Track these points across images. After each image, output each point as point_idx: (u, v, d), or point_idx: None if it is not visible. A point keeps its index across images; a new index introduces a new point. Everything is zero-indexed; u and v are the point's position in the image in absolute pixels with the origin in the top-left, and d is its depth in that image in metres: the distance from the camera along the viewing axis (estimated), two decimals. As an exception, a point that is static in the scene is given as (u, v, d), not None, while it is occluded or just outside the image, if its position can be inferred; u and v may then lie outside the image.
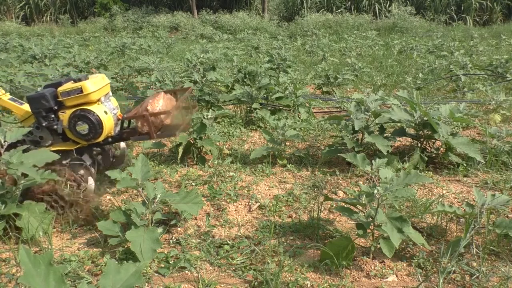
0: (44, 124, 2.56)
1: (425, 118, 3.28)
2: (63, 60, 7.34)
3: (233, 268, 2.07)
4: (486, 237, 2.22)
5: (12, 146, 2.76)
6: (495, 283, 1.93)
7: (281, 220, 2.55)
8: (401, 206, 2.65)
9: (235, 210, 2.69)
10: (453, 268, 2.00)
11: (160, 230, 2.30)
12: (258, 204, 2.75)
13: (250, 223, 2.52)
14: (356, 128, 3.30)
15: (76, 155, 2.64)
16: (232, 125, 4.56)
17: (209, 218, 2.54)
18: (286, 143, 3.73)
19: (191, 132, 3.44)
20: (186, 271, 2.04)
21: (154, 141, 3.86)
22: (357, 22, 16.64)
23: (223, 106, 5.01)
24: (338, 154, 3.38)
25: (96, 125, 2.55)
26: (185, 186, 2.99)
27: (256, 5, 21.14)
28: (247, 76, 5.87)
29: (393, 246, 1.98)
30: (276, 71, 6.50)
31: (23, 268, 1.17)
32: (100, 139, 2.63)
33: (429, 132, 3.32)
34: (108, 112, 2.62)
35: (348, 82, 6.64)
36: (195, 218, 2.52)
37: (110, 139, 2.72)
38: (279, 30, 16.48)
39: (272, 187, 3.04)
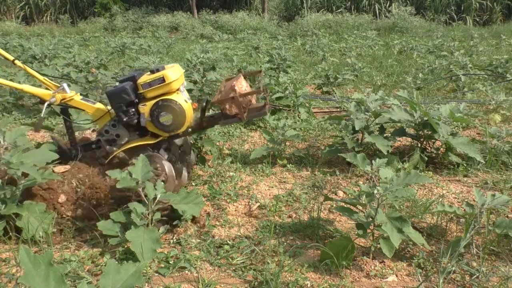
0: (124, 119, 2.53)
1: (425, 118, 3.28)
2: (63, 60, 7.34)
3: (233, 268, 2.07)
4: (486, 237, 2.22)
5: (86, 147, 2.77)
6: (495, 283, 1.93)
7: (281, 220, 2.55)
8: (401, 206, 2.65)
9: (235, 210, 2.69)
10: (453, 268, 2.00)
11: (162, 229, 2.30)
12: (258, 204, 2.75)
13: (250, 223, 2.53)
14: (356, 128, 3.30)
15: (152, 150, 2.61)
16: (232, 125, 4.55)
17: (209, 218, 2.54)
18: (286, 143, 3.73)
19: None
20: (186, 271, 2.04)
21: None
22: (357, 22, 16.64)
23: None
24: (338, 154, 3.38)
25: (179, 115, 2.52)
26: (185, 186, 2.99)
27: (256, 5, 21.14)
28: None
29: (393, 246, 1.98)
30: (276, 71, 6.49)
31: (23, 268, 1.17)
32: (183, 129, 2.59)
33: (429, 132, 3.32)
34: (187, 101, 2.57)
35: (348, 82, 6.64)
36: (194, 219, 2.52)
37: (189, 130, 2.67)
38: (279, 30, 16.48)
39: (272, 187, 3.04)
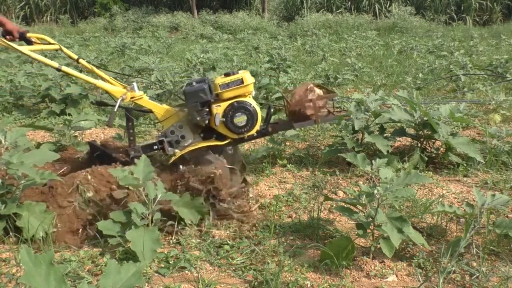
0: (198, 119, 2.57)
1: (425, 118, 3.29)
2: (63, 60, 7.34)
3: (233, 268, 2.07)
4: (486, 237, 2.22)
5: (147, 148, 2.76)
6: (495, 283, 1.93)
7: (281, 220, 2.55)
8: (401, 206, 2.65)
9: (235, 210, 2.69)
10: (453, 268, 2.00)
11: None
12: (258, 204, 2.75)
13: (250, 223, 2.52)
14: (356, 128, 3.30)
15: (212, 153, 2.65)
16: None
17: (209, 219, 2.54)
18: (286, 143, 3.73)
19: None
20: (186, 271, 2.04)
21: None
22: (357, 22, 16.65)
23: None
24: (338, 154, 3.38)
25: (254, 117, 2.59)
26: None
27: (256, 5, 21.15)
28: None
29: (393, 246, 1.99)
30: (276, 71, 6.50)
31: (24, 268, 1.17)
32: (254, 131, 2.65)
33: (429, 132, 3.32)
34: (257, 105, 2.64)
35: (348, 82, 6.64)
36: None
37: (255, 134, 2.71)
38: (279, 30, 16.49)
39: (272, 187, 3.04)
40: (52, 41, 2.94)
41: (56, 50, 2.90)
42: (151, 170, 2.28)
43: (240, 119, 2.58)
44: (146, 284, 1.93)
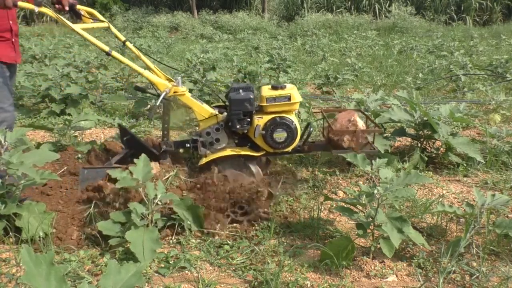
0: (237, 127, 2.56)
1: (425, 118, 3.29)
2: (63, 60, 7.34)
3: (233, 268, 2.07)
4: (486, 237, 2.22)
5: (180, 144, 2.76)
6: (495, 283, 1.93)
7: (281, 220, 2.55)
8: (401, 206, 2.65)
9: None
10: (453, 268, 2.00)
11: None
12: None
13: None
14: (356, 128, 3.30)
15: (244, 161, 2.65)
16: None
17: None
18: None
19: (191, 132, 3.44)
20: (186, 271, 2.04)
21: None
22: (357, 22, 16.63)
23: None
24: (338, 154, 3.38)
25: (294, 134, 2.59)
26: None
27: (256, 5, 21.14)
28: (247, 76, 5.87)
29: (393, 246, 1.99)
30: (276, 71, 6.50)
31: (25, 268, 1.17)
32: (290, 148, 2.64)
33: (429, 132, 3.32)
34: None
35: (348, 82, 6.64)
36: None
37: (290, 150, 2.71)
38: (279, 30, 16.48)
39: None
40: (101, 17, 2.85)
41: (106, 28, 2.79)
42: (150, 169, 2.28)
43: (280, 135, 2.57)
44: (146, 284, 1.93)
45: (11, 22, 2.45)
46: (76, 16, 2.74)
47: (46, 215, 2.23)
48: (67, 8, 2.65)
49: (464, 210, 2.20)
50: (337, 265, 2.01)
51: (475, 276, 1.97)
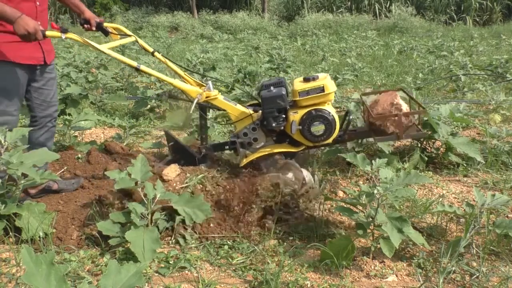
0: (273, 125, 2.50)
1: (425, 118, 3.28)
2: (63, 60, 7.34)
3: (233, 268, 2.07)
4: (486, 237, 2.22)
5: (218, 147, 2.74)
6: (495, 283, 1.93)
7: (281, 220, 2.55)
8: (401, 206, 2.65)
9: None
10: (453, 268, 2.00)
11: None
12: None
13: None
14: (356, 128, 3.30)
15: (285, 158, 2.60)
16: (232, 125, 4.55)
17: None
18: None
19: (191, 132, 3.43)
20: (186, 271, 2.05)
21: (154, 142, 3.86)
22: (357, 22, 16.62)
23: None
24: (338, 154, 3.37)
25: (332, 126, 2.49)
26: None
27: (256, 5, 21.13)
28: (247, 76, 5.87)
29: (393, 246, 1.99)
30: (276, 71, 6.50)
31: (25, 268, 1.17)
32: (330, 140, 2.56)
33: (429, 132, 3.32)
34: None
35: (348, 82, 6.64)
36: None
37: (331, 141, 2.62)
38: (279, 30, 16.47)
39: (272, 187, 3.03)
40: (128, 32, 2.84)
41: (133, 42, 2.81)
42: (148, 169, 2.27)
43: (318, 128, 2.48)
44: (146, 284, 1.93)
45: (39, 22, 2.42)
46: (104, 34, 2.77)
47: (46, 215, 2.24)
48: (94, 28, 2.72)
49: (464, 210, 2.20)
50: (337, 265, 2.01)
51: (475, 276, 1.97)
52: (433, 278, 1.98)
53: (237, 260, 2.13)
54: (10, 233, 2.20)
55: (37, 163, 2.22)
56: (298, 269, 2.06)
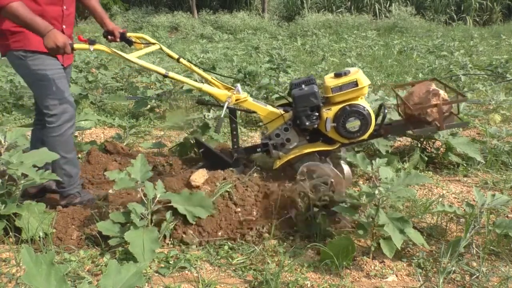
0: (307, 123, 2.45)
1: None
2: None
3: (233, 268, 2.07)
4: (486, 237, 2.22)
5: (250, 150, 2.69)
6: (495, 283, 1.93)
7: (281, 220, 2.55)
8: (401, 206, 2.64)
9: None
10: (453, 268, 2.00)
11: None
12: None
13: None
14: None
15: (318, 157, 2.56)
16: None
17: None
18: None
19: (192, 132, 3.44)
20: (186, 271, 2.05)
21: (154, 142, 3.86)
22: (357, 22, 16.61)
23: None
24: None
25: (368, 120, 2.43)
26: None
27: (256, 5, 21.12)
28: (247, 76, 5.87)
29: (393, 247, 1.99)
30: (276, 71, 6.49)
31: (25, 268, 1.17)
32: (366, 135, 2.51)
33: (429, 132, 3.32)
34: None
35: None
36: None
37: (366, 137, 2.57)
38: (279, 30, 16.47)
39: (272, 187, 3.03)
40: (151, 40, 2.82)
41: (158, 50, 2.77)
42: (148, 169, 2.27)
43: (353, 124, 2.42)
44: (146, 284, 1.93)
45: (64, 26, 2.45)
46: (127, 43, 2.76)
47: (46, 215, 2.24)
48: (118, 40, 2.71)
49: (464, 210, 2.20)
50: (337, 265, 2.01)
51: (475, 276, 1.97)
52: (433, 278, 1.98)
53: (237, 260, 2.13)
54: (10, 233, 2.20)
55: (37, 163, 2.22)
56: (298, 269, 2.06)
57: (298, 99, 2.45)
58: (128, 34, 2.74)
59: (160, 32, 16.13)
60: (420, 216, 2.53)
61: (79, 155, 3.26)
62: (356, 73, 2.44)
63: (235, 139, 2.69)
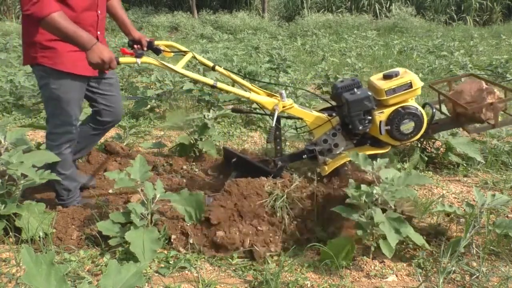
0: (360, 128, 2.40)
1: (425, 118, 3.28)
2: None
3: (233, 268, 2.07)
4: (486, 237, 2.22)
5: (295, 157, 2.61)
6: (495, 283, 1.93)
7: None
8: (407, 208, 2.64)
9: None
10: (453, 268, 2.00)
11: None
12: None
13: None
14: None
15: None
16: (232, 125, 4.55)
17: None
18: (286, 143, 3.73)
19: (192, 132, 3.44)
20: (186, 271, 2.05)
21: (154, 142, 3.86)
22: (357, 22, 16.62)
23: (223, 106, 5.01)
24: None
25: (422, 121, 2.41)
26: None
27: (256, 5, 21.12)
28: (247, 76, 5.87)
29: (392, 246, 1.98)
30: (276, 71, 6.49)
31: (25, 268, 1.17)
32: (418, 137, 2.48)
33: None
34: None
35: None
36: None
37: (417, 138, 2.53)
38: (279, 30, 16.47)
39: (272, 187, 3.03)
40: (183, 48, 2.69)
41: (193, 58, 2.63)
42: (148, 169, 2.27)
43: (408, 126, 2.39)
44: (146, 284, 1.93)
45: (99, 32, 2.39)
46: (155, 53, 2.66)
47: (46, 215, 2.24)
48: (145, 49, 2.61)
49: (464, 210, 2.20)
50: (337, 265, 2.01)
51: (475, 276, 1.97)
52: (433, 278, 1.98)
53: (237, 260, 2.13)
54: (10, 233, 2.20)
55: (36, 163, 2.22)
56: (298, 269, 2.06)
57: (352, 104, 2.36)
58: (156, 42, 2.64)
59: (160, 32, 16.14)
60: (420, 216, 2.53)
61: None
62: (410, 74, 2.41)
63: (278, 147, 2.60)
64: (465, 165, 3.28)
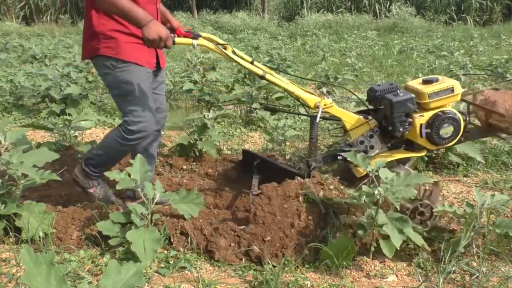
0: (400, 130, 2.40)
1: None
2: (63, 60, 7.34)
3: (233, 268, 2.07)
4: (486, 237, 2.22)
5: (329, 158, 2.56)
6: (495, 283, 1.93)
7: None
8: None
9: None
10: (453, 268, 2.00)
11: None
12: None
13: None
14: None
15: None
16: (232, 125, 4.56)
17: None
18: (286, 143, 3.73)
19: (191, 132, 3.44)
20: (186, 271, 2.04)
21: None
22: (357, 22, 16.62)
23: (223, 106, 5.01)
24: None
25: (460, 126, 2.44)
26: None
27: (256, 5, 21.13)
28: (247, 76, 5.87)
29: (393, 247, 1.98)
30: (276, 71, 6.50)
31: (25, 268, 1.17)
32: (454, 142, 2.50)
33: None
34: None
35: (348, 82, 6.64)
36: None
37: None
38: (279, 30, 16.47)
39: (272, 187, 3.03)
40: (221, 41, 2.62)
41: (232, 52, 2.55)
42: (148, 169, 2.27)
43: (447, 130, 2.42)
44: (146, 284, 1.93)
45: (158, 5, 2.38)
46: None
47: (46, 215, 2.23)
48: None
49: (464, 210, 2.20)
50: (337, 265, 2.01)
51: (475, 276, 1.97)
52: (433, 278, 1.98)
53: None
54: (10, 233, 2.20)
55: (37, 163, 2.22)
56: (298, 269, 2.06)
57: (396, 105, 2.37)
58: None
59: (160, 32, 16.12)
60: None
61: (79, 155, 3.26)
62: (450, 80, 2.45)
63: (312, 147, 2.55)
64: (465, 165, 3.28)
